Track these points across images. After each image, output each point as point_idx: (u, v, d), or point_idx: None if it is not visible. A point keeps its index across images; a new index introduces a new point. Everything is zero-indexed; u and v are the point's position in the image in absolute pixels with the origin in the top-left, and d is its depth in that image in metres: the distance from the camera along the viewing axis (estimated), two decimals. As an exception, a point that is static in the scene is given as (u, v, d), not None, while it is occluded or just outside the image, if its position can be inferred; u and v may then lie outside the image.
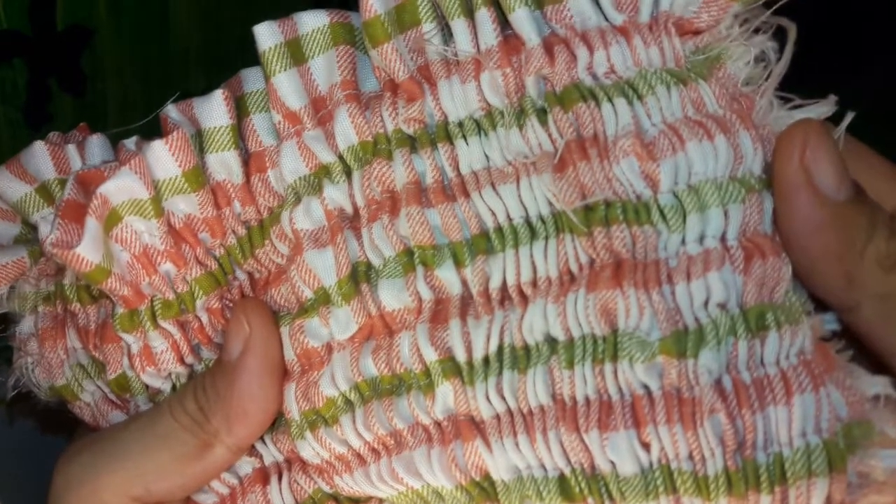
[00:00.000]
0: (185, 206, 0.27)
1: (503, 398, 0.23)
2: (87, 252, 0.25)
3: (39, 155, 0.28)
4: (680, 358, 0.21)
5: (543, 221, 0.23)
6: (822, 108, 0.23)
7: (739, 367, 0.21)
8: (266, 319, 0.26)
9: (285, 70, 0.25)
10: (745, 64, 0.23)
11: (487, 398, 0.23)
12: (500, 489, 0.23)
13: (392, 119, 0.25)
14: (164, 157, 0.26)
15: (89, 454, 0.27)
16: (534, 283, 0.23)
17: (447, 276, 0.24)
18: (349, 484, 0.26)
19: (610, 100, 0.23)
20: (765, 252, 0.22)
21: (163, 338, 0.27)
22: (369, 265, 0.25)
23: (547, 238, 0.23)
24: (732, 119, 0.22)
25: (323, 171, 0.26)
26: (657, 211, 0.22)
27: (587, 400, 0.22)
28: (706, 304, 0.22)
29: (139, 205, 0.26)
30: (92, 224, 0.25)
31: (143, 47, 0.44)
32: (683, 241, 0.22)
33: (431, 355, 0.24)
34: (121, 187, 0.25)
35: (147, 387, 0.28)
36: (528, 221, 0.23)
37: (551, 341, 0.23)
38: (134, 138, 0.27)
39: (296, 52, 0.25)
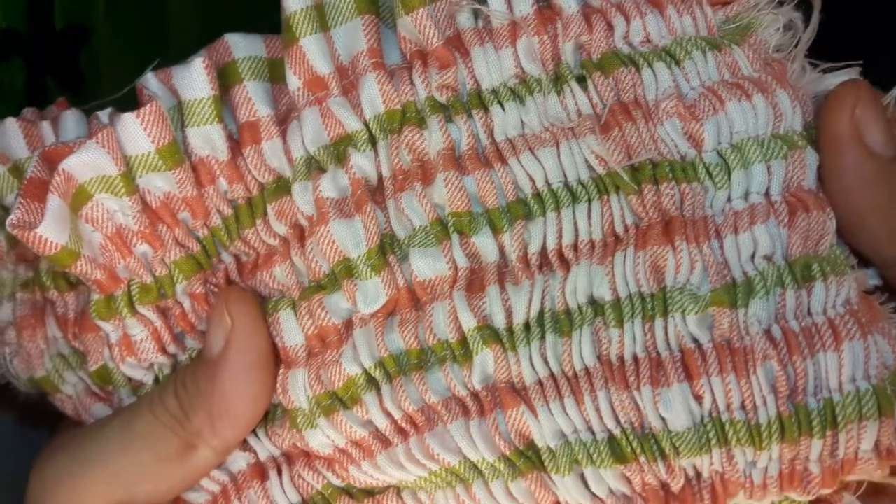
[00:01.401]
0: (162, 183, 0.25)
1: (546, 363, 0.23)
2: (50, 233, 0.23)
3: (11, 132, 0.26)
4: (731, 308, 0.22)
5: (583, 185, 0.23)
6: (849, 75, 0.24)
7: (787, 316, 0.22)
8: (251, 310, 0.24)
9: (314, 33, 0.24)
10: (776, 31, 0.24)
11: (531, 363, 0.23)
12: (546, 456, 0.23)
13: (424, 86, 0.24)
14: (135, 132, 0.24)
15: (66, 455, 0.25)
16: (575, 247, 0.23)
17: (484, 243, 0.24)
18: (368, 472, 0.25)
19: (650, 65, 0.23)
20: (809, 206, 0.22)
21: (142, 325, 0.25)
22: (393, 237, 0.24)
23: (590, 200, 0.23)
24: (768, 80, 0.23)
25: (346, 141, 0.25)
26: (703, 169, 0.23)
27: (635, 358, 0.23)
28: (753, 257, 0.22)
29: (109, 182, 0.24)
30: (54, 202, 0.23)
31: (141, 46, 0.44)
32: (729, 198, 0.23)
33: (470, 322, 0.23)
34: (87, 162, 0.24)
35: (129, 379, 0.26)
36: (566, 186, 0.24)
37: (595, 303, 0.23)
38: (108, 110, 0.25)
39: (320, 19, 0.24)
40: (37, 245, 0.23)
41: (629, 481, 0.23)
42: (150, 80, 0.25)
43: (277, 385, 0.25)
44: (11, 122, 0.26)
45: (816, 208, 0.22)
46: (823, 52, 0.24)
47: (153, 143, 0.24)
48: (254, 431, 0.25)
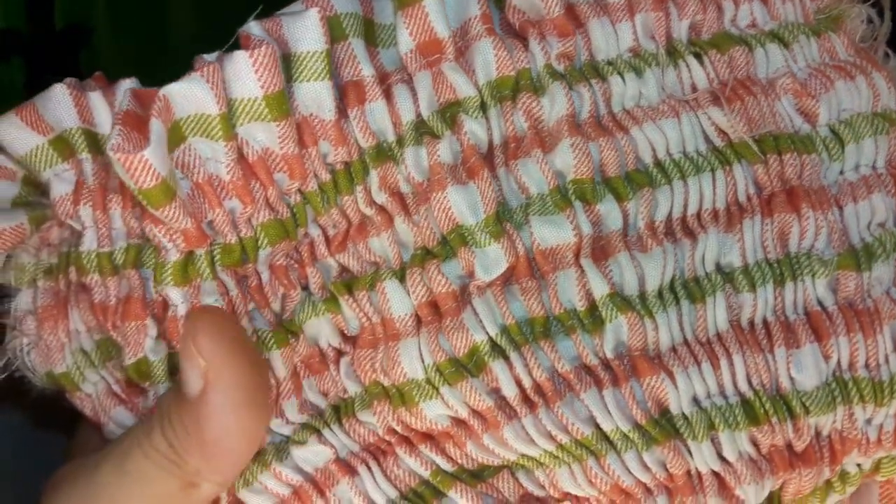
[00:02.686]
0: (263, 136, 0.23)
1: (682, 329, 0.24)
2: (155, 159, 0.21)
3: (61, 100, 0.24)
4: (857, 271, 0.24)
5: (703, 156, 0.24)
6: None
7: None
8: (225, 339, 0.22)
9: None
10: (860, 23, 0.26)
11: (669, 330, 0.23)
12: (681, 424, 0.23)
13: (543, 54, 0.24)
14: (245, 73, 0.22)
15: (70, 489, 0.24)
16: (698, 216, 0.24)
17: (609, 210, 0.24)
18: (488, 446, 0.24)
19: (762, 45, 0.25)
20: None
21: (218, 293, 0.23)
22: (504, 205, 0.24)
23: (713, 170, 0.24)
24: (864, 63, 0.25)
25: (454, 107, 0.24)
26: (820, 142, 0.25)
27: (766, 321, 0.24)
28: (869, 224, 0.24)
29: (206, 123, 0.22)
30: (157, 127, 0.21)
31: (141, 46, 0.44)
32: (842, 171, 0.25)
33: (603, 289, 0.23)
34: (188, 95, 0.22)
35: (171, 373, 0.24)
36: (686, 156, 0.24)
37: (722, 270, 0.24)
38: (216, 53, 0.23)
39: None
40: (138, 173, 0.21)
41: (757, 444, 0.24)
42: (255, 27, 0.23)
43: (369, 364, 0.24)
44: (61, 89, 0.24)
45: None
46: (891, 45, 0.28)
47: (262, 88, 0.22)
48: (328, 427, 0.24)
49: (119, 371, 0.25)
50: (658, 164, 0.24)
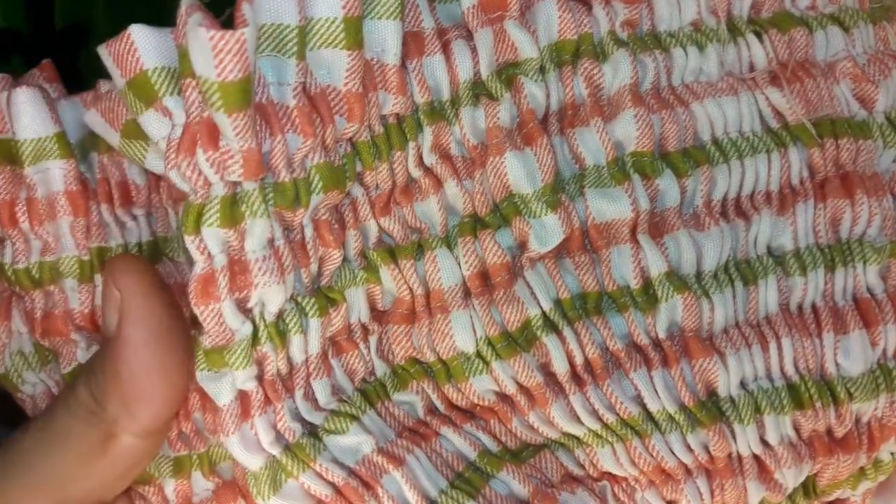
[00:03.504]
0: (330, 67, 0.21)
1: (735, 311, 0.23)
2: (250, 46, 0.18)
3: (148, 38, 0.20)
4: None
5: (758, 137, 0.24)
6: None
7: None
8: (141, 276, 0.21)
9: None
10: None
11: (725, 311, 0.23)
12: (727, 407, 0.23)
13: (608, 20, 0.23)
14: None
15: None
16: (751, 197, 0.24)
17: (668, 186, 0.23)
18: (534, 423, 0.23)
19: (822, 27, 0.25)
20: None
21: (266, 240, 0.20)
22: (558, 175, 0.23)
23: (769, 152, 0.24)
24: None
25: (511, 68, 0.23)
26: (876, 128, 0.24)
27: (814, 306, 0.24)
28: None
29: (280, 35, 0.20)
30: (247, 11, 0.19)
31: (142, 47, 0.43)
32: (894, 159, 0.25)
33: (661, 266, 0.23)
34: (264, 2, 0.20)
35: None
36: (742, 136, 0.24)
37: (773, 253, 0.24)
38: None
39: None
40: (227, 58, 0.18)
41: (799, 428, 0.24)
42: None
43: (407, 340, 0.23)
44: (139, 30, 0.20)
45: None
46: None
47: (343, 8, 0.20)
48: (365, 413, 0.22)
49: (58, 374, 0.24)
50: (715, 142, 0.24)
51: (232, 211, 0.20)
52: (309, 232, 0.21)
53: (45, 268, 0.24)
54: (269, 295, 0.20)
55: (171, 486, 0.24)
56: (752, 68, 0.24)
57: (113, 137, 0.22)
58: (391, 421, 0.23)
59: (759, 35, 0.24)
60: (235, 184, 0.20)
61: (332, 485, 0.21)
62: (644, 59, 0.23)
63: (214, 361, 0.20)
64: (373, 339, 0.23)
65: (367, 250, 0.23)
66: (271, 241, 0.20)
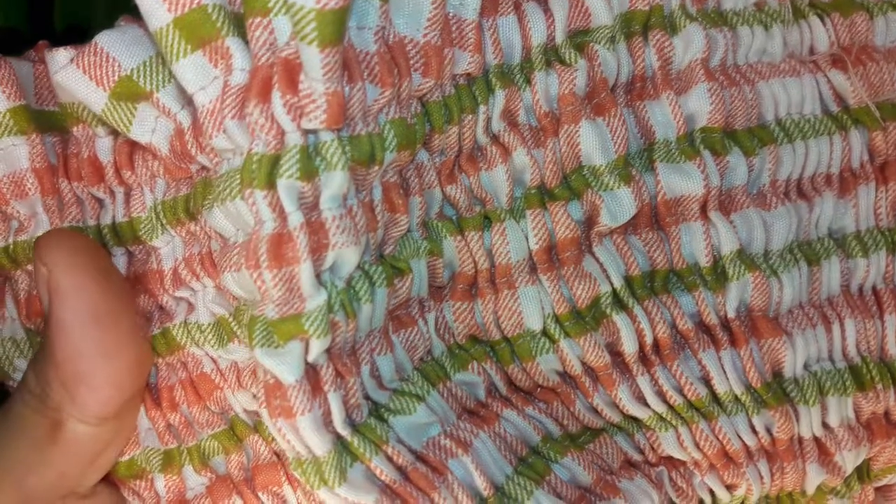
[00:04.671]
0: (410, 15, 0.20)
1: (800, 290, 0.23)
2: None
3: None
4: None
5: (818, 119, 0.24)
6: None
7: None
8: (72, 252, 0.20)
9: None
10: None
11: (793, 291, 0.23)
12: (791, 388, 0.23)
13: None
14: None
15: None
16: (812, 179, 0.24)
17: (737, 163, 0.23)
18: (597, 405, 0.22)
19: (883, 13, 0.25)
20: None
21: (342, 196, 0.19)
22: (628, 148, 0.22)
23: (830, 134, 0.24)
24: None
25: (581, 35, 0.22)
26: None
27: (875, 288, 0.24)
28: None
29: None
30: None
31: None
32: None
33: (733, 244, 0.22)
34: None
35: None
36: (804, 117, 0.24)
37: (834, 235, 0.24)
38: None
39: None
40: None
41: (858, 411, 0.23)
42: None
43: (470, 317, 0.22)
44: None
45: None
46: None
47: None
48: (429, 393, 0.21)
49: None
50: (779, 122, 0.24)
51: (310, 165, 0.18)
52: (377, 194, 0.20)
53: (19, 247, 0.22)
54: (346, 257, 0.19)
55: (161, 481, 0.23)
56: (812, 52, 0.24)
57: (96, 99, 0.20)
58: (452, 403, 0.22)
59: (821, 18, 0.24)
60: (307, 134, 0.18)
61: (401, 469, 0.20)
62: (715, 35, 0.23)
63: (285, 332, 0.18)
64: (430, 317, 0.22)
65: (429, 220, 0.22)
66: (345, 200, 0.19)
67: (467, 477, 0.20)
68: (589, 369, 0.22)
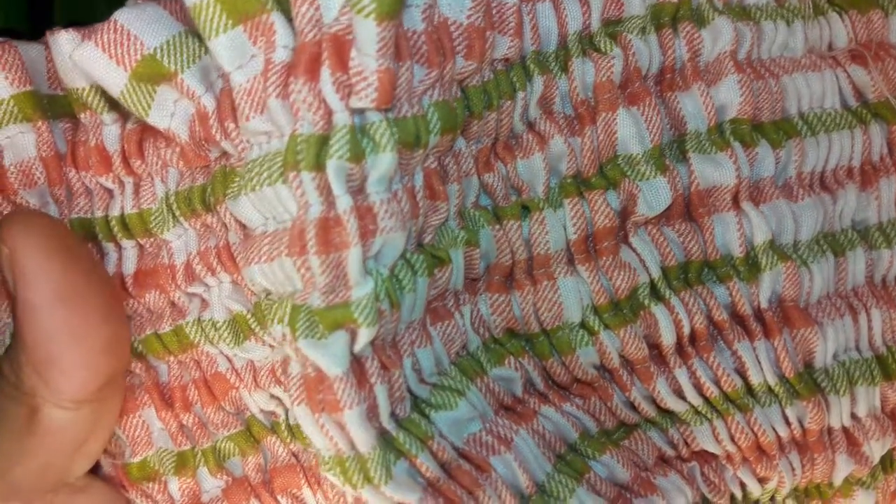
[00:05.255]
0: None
1: (828, 280, 0.23)
2: None
3: None
4: None
5: (839, 113, 0.24)
6: None
7: None
8: (35, 231, 0.19)
9: None
10: None
11: (822, 281, 0.23)
12: (822, 378, 0.23)
13: None
14: None
15: None
16: (834, 171, 0.24)
17: (765, 155, 0.23)
18: (634, 398, 0.22)
19: None
20: None
21: (388, 180, 0.18)
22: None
23: (851, 128, 0.24)
24: None
25: (614, 25, 0.22)
26: None
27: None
28: None
29: None
30: None
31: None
32: None
33: (765, 234, 0.22)
34: None
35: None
36: (825, 111, 0.24)
37: (857, 227, 0.24)
38: None
39: None
40: None
41: (885, 400, 0.24)
42: None
43: (508, 310, 0.21)
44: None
45: None
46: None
47: None
48: (469, 388, 0.20)
49: None
50: (802, 116, 0.24)
51: (356, 144, 0.17)
52: (419, 180, 0.19)
53: None
54: (393, 242, 0.18)
55: (175, 484, 0.22)
56: (830, 47, 0.25)
57: (115, 79, 0.19)
58: (490, 398, 0.21)
59: (839, 14, 0.25)
60: (354, 115, 0.17)
61: (445, 466, 0.19)
62: (742, 28, 0.23)
63: (331, 321, 0.17)
64: (465, 310, 0.21)
65: (465, 210, 0.21)
66: (390, 184, 0.18)
67: (509, 474, 0.20)
68: (626, 362, 0.22)
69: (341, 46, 0.17)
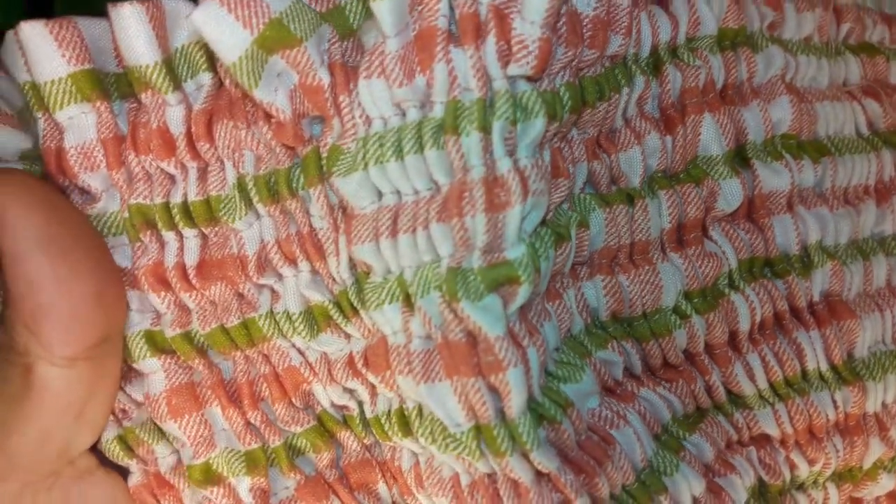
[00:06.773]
0: None
1: (861, 281, 0.26)
2: None
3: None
4: None
5: (854, 140, 0.27)
6: None
7: None
8: (13, 184, 0.19)
9: None
10: None
11: (859, 279, 0.26)
12: (860, 367, 0.26)
13: (759, 18, 0.26)
14: None
15: None
16: (855, 189, 0.27)
17: (808, 168, 0.25)
18: (715, 383, 0.24)
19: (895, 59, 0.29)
20: None
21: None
22: None
23: (867, 152, 0.27)
24: None
25: (689, 43, 0.24)
26: None
27: None
28: None
29: None
30: None
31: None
32: None
33: (817, 234, 0.25)
34: None
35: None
36: (845, 137, 0.27)
37: (875, 237, 0.27)
38: None
39: None
40: None
41: None
42: None
43: (623, 293, 0.23)
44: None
45: None
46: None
47: None
48: (581, 368, 0.21)
49: None
50: (829, 139, 0.27)
51: (514, 109, 0.18)
52: (547, 156, 0.20)
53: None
54: (540, 206, 0.19)
55: (245, 484, 0.22)
56: (844, 83, 0.28)
57: (235, 43, 0.18)
58: (597, 379, 0.22)
59: (854, 55, 0.28)
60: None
61: (578, 436, 0.20)
62: (788, 57, 0.26)
63: (492, 279, 0.18)
64: (570, 293, 0.22)
65: (574, 194, 0.22)
66: (536, 150, 0.19)
67: (629, 447, 0.21)
68: (708, 347, 0.24)
69: (503, 16, 0.18)
